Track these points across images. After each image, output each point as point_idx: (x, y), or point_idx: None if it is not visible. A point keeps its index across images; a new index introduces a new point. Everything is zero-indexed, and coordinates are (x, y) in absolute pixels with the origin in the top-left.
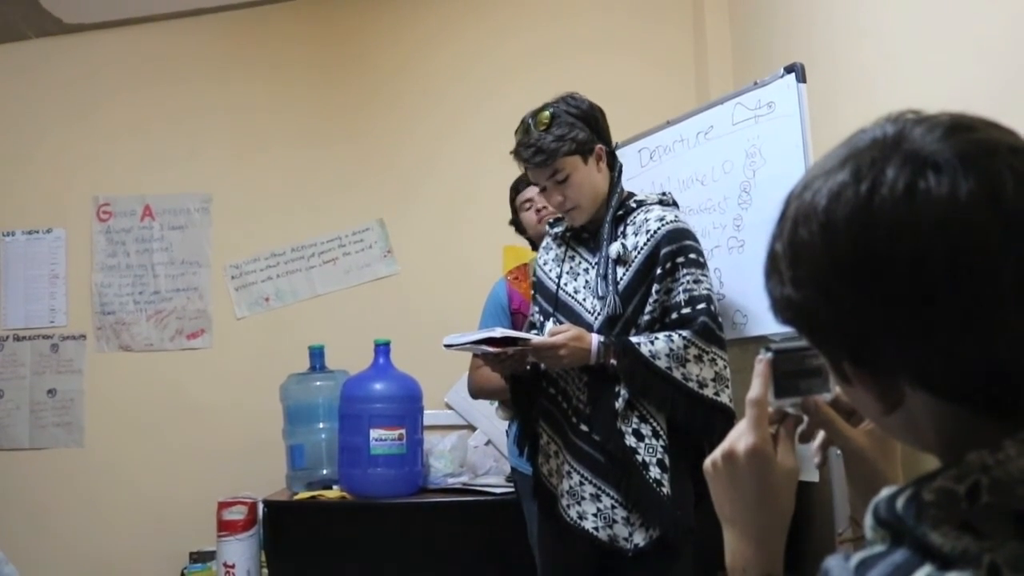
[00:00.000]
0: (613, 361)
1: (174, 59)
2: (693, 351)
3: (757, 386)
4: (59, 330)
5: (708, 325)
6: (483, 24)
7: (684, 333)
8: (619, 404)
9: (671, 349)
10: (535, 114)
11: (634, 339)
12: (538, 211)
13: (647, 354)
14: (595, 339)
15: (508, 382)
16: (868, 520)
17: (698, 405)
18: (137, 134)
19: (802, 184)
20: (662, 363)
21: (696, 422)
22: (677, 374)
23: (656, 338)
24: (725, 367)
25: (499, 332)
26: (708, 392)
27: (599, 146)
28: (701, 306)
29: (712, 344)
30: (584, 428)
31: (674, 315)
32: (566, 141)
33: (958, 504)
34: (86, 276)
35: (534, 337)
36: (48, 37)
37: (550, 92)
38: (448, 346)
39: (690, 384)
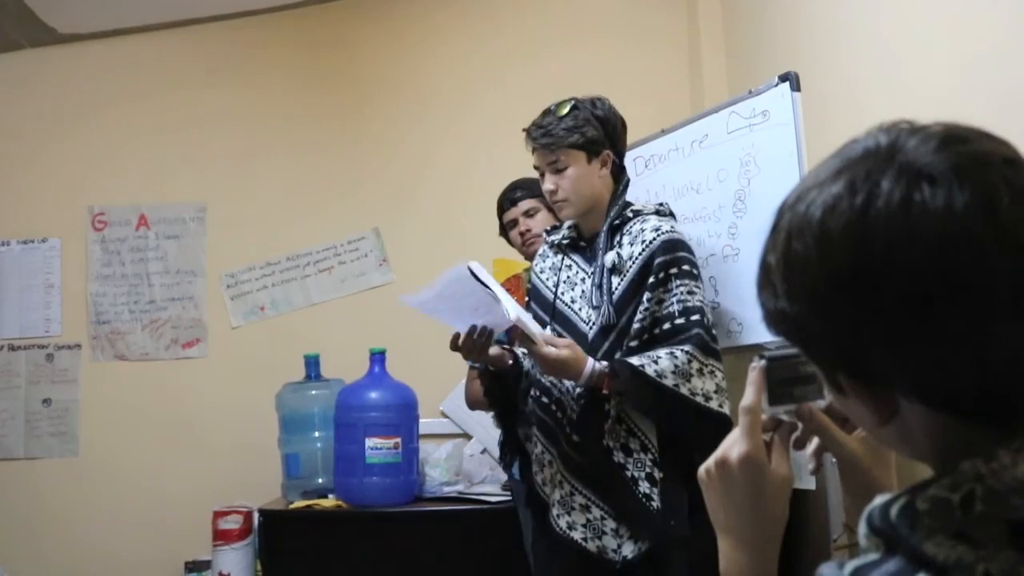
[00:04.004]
0: (605, 391)
1: (168, 69)
2: (696, 365)
3: (751, 393)
4: (54, 340)
5: (703, 337)
6: (474, 28)
7: (685, 348)
8: (607, 425)
9: (676, 366)
10: (559, 103)
11: (636, 361)
12: (522, 233)
13: (653, 375)
14: (589, 365)
15: (484, 381)
16: (862, 528)
17: (706, 418)
18: (132, 144)
19: (795, 195)
20: (669, 381)
21: (707, 435)
22: (684, 390)
23: (659, 357)
24: (723, 378)
25: (525, 316)
26: (714, 405)
27: (607, 151)
28: (695, 317)
29: (710, 357)
30: (576, 439)
31: (666, 325)
32: (576, 133)
33: (952, 513)
34: (81, 286)
35: (541, 342)
36: (43, 47)
37: (543, 100)
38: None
39: (697, 399)
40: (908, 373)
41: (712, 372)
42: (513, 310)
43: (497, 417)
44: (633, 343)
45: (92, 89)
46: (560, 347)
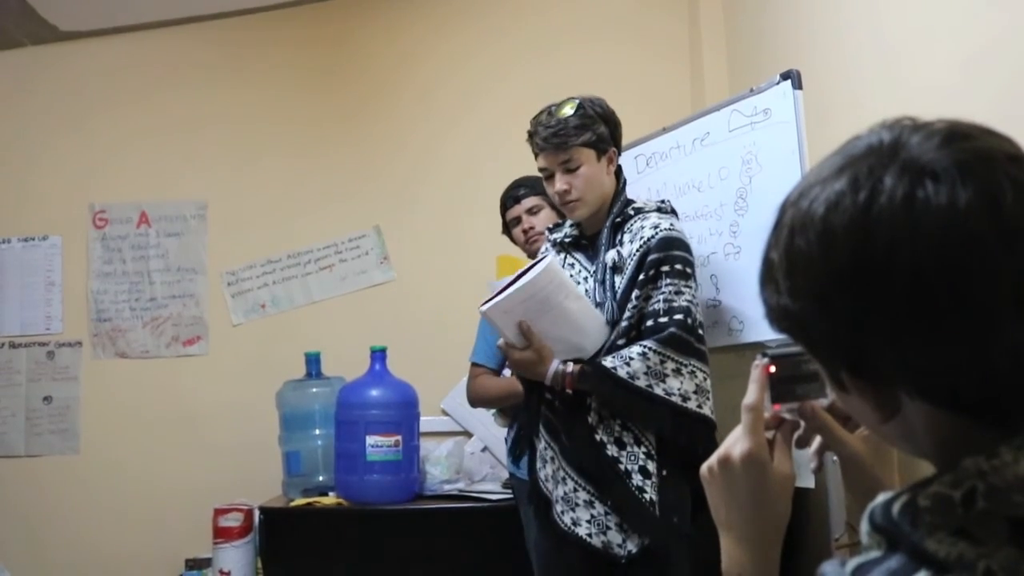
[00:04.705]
0: (568, 390)
1: (169, 67)
2: (670, 365)
3: (753, 391)
4: (55, 337)
5: (677, 336)
6: (475, 27)
7: (654, 347)
8: (592, 418)
9: (648, 367)
10: (559, 103)
11: (608, 362)
12: (525, 231)
13: (625, 376)
14: (553, 366)
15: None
16: (864, 526)
17: (683, 418)
18: (133, 141)
19: (798, 192)
20: (641, 382)
21: (682, 435)
22: (659, 390)
23: (631, 358)
24: (705, 379)
25: (504, 315)
26: (691, 405)
27: (613, 149)
28: (678, 317)
29: (690, 357)
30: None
31: (649, 322)
32: (587, 131)
33: (954, 510)
34: (82, 283)
35: (512, 340)
36: (44, 44)
37: (545, 98)
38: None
39: (673, 399)
40: (910, 370)
41: (692, 372)
42: (490, 305)
43: (525, 423)
44: (620, 341)
45: (93, 86)
46: (529, 348)
